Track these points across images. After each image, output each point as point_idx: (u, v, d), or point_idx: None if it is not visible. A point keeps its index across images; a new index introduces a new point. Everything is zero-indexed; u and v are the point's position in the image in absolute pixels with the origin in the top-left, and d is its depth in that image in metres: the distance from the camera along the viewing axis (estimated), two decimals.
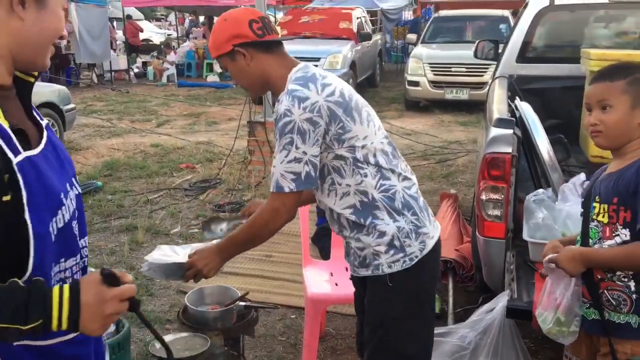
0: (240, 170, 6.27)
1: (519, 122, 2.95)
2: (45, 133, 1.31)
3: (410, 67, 10.50)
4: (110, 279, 1.11)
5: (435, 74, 10.04)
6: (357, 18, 12.39)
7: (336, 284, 2.99)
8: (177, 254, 2.08)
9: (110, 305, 1.12)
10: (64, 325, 1.08)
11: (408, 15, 20.34)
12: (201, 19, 19.95)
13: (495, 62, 4.76)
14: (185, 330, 2.46)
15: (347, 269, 3.08)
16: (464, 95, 9.87)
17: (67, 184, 1.31)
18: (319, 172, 1.84)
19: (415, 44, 11.98)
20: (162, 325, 3.49)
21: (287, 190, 1.80)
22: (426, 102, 10.64)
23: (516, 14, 6.24)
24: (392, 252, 1.86)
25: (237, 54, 1.87)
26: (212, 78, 14.49)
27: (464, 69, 9.72)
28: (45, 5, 1.23)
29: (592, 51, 3.61)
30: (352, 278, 2.12)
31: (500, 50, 4.80)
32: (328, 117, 1.80)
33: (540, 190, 2.62)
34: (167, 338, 2.29)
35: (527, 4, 4.49)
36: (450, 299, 3.51)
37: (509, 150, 2.64)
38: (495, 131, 2.69)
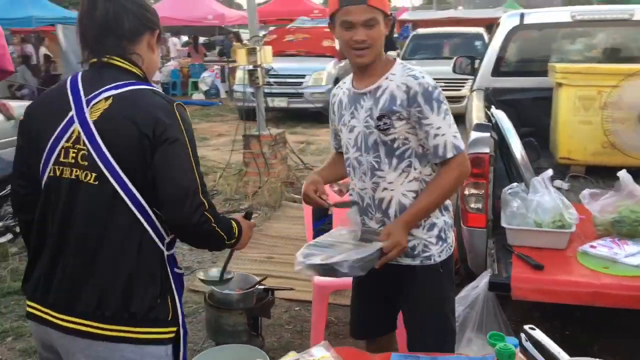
0: (237, 181, 6.63)
1: (495, 128, 3.38)
2: None
3: None
4: (248, 217, 1.92)
5: None
6: None
7: None
8: (345, 243, 2.08)
9: (250, 229, 1.84)
10: (234, 241, 1.74)
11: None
12: (184, 38, 20.32)
13: (472, 77, 5.21)
14: (211, 311, 2.82)
15: None
16: None
17: None
18: (400, 152, 2.04)
19: None
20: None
21: (463, 148, 2.02)
22: None
23: (490, 30, 6.72)
24: (440, 243, 2.10)
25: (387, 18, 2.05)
26: (197, 96, 14.87)
27: (443, 84, 10.14)
28: (158, 42, 1.79)
29: (557, 65, 4.08)
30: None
31: (476, 66, 5.26)
32: None
33: (515, 184, 3.04)
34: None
35: (499, 23, 4.96)
36: None
37: (487, 150, 3.05)
38: (475, 134, 3.10)
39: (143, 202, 1.55)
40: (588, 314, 3.05)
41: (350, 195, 2.25)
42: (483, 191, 3.08)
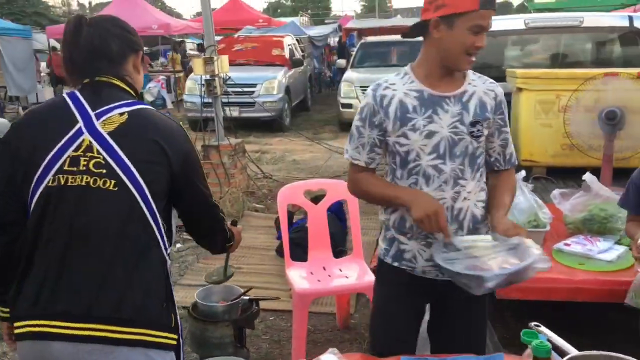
0: None
1: None
2: None
3: (342, 91, 11.12)
4: (234, 224, 2.10)
5: None
6: (288, 45, 12.92)
7: (318, 280, 3.38)
8: (486, 245, 1.87)
9: (239, 234, 2.09)
10: (232, 243, 2.03)
11: (333, 41, 21.18)
12: None
13: None
14: (197, 324, 2.77)
15: (325, 268, 3.52)
16: None
17: None
18: (479, 160, 2.00)
19: (345, 69, 12.61)
20: None
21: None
22: None
23: None
24: None
25: None
26: None
27: None
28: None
29: (518, 71, 4.23)
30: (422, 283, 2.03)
31: None
32: None
33: None
34: None
35: None
36: None
37: None
38: None
39: (156, 211, 1.62)
40: (562, 312, 3.15)
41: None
42: None
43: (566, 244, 2.92)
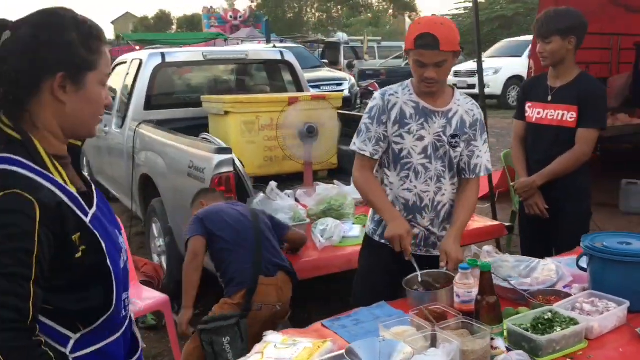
0: None
1: None
2: (93, 188, 1.50)
3: None
4: None
5: None
6: None
7: None
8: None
9: None
10: None
11: None
12: None
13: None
14: None
15: None
16: None
17: (117, 230, 1.53)
18: (456, 166, 2.49)
19: None
20: None
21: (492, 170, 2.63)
22: None
23: None
24: None
25: None
26: None
27: None
28: (83, 86, 1.39)
29: (226, 97, 4.89)
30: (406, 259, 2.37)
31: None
32: None
33: (261, 195, 3.69)
34: None
35: (141, 62, 5.38)
36: None
37: (232, 169, 3.59)
38: (219, 157, 3.57)
39: None
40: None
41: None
42: None
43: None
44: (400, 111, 2.44)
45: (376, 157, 2.49)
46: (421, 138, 2.43)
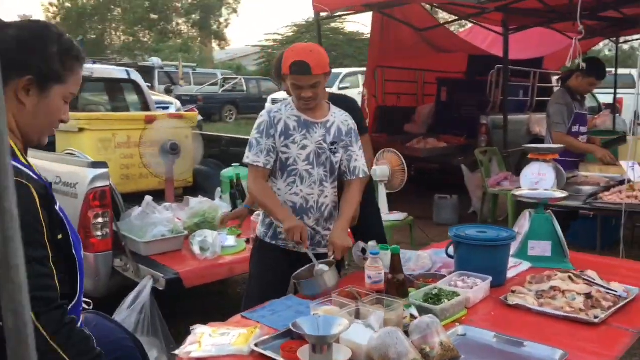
0: None
1: None
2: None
3: None
4: None
5: None
6: None
7: None
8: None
9: None
10: None
11: None
12: None
13: None
14: None
15: None
16: None
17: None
18: (337, 170, 2.80)
19: None
20: None
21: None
22: None
23: None
24: None
25: None
26: None
27: None
28: (47, 95, 1.50)
29: (79, 114, 4.77)
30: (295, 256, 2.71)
31: None
32: None
33: (138, 209, 3.71)
34: None
35: None
36: None
37: (108, 183, 3.57)
38: (94, 172, 3.53)
39: None
40: None
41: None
42: (108, 219, 3.59)
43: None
44: (285, 125, 2.73)
45: (269, 166, 2.73)
46: (305, 147, 2.72)
